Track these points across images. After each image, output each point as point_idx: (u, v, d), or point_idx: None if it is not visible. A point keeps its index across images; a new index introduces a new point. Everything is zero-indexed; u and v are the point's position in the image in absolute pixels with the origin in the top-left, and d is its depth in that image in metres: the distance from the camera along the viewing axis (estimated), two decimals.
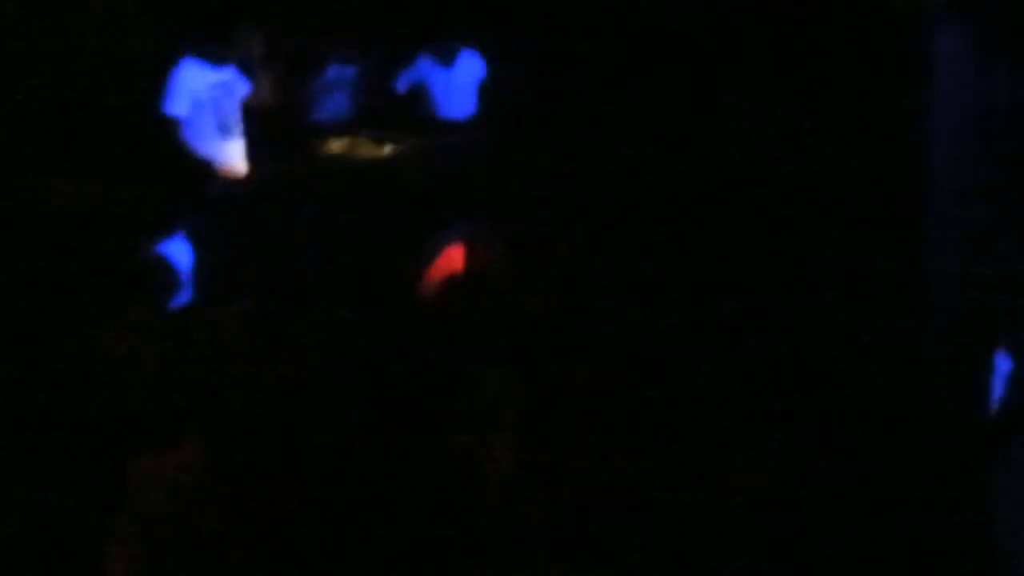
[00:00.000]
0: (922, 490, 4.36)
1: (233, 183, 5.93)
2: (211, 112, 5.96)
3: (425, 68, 6.75)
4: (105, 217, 5.43)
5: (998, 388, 4.11)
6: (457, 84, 6.67)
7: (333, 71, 6.76)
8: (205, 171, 5.87)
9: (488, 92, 6.55)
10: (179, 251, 5.10)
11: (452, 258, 5.01)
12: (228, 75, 6.03)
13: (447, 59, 6.71)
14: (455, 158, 5.62)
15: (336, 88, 6.75)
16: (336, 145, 5.97)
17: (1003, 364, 4.09)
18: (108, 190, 5.58)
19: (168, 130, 5.89)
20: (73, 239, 5.35)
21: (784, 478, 4.43)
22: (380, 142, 5.95)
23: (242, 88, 6.10)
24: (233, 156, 6.05)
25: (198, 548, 3.39)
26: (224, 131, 6.01)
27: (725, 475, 4.53)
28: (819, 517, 4.28)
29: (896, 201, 4.75)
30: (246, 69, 6.10)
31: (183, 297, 4.92)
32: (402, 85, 6.73)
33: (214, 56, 5.95)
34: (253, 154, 6.09)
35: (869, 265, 4.79)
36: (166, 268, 4.87)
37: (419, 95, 6.69)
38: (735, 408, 4.70)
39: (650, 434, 4.64)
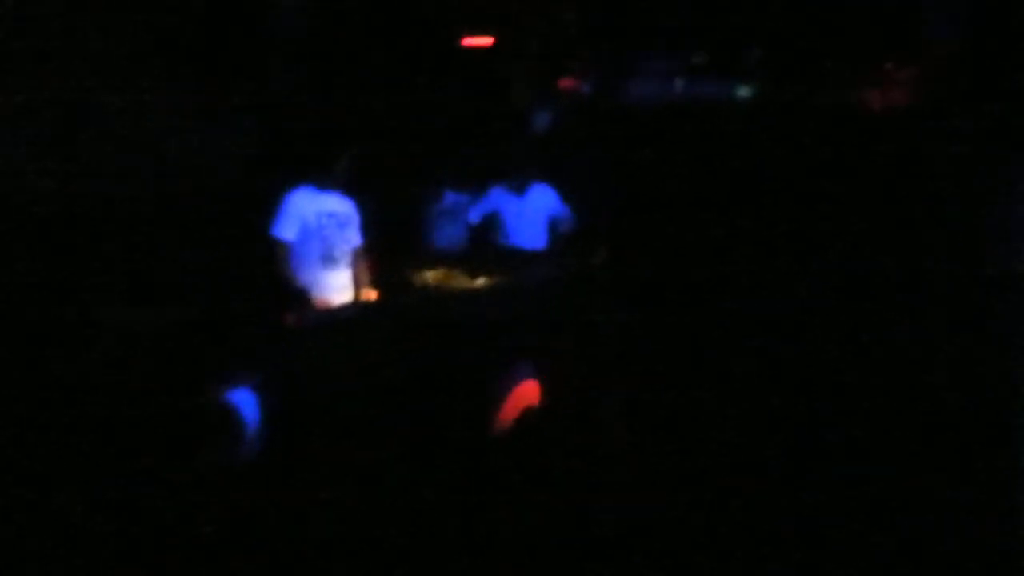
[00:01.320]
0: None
1: (327, 313, 6.04)
2: (318, 240, 6.11)
3: (498, 199, 6.88)
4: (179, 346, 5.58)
5: None
6: (529, 214, 6.79)
7: (449, 200, 6.89)
8: (302, 299, 5.99)
9: (561, 223, 6.67)
10: (246, 401, 5.15)
11: (526, 393, 5.14)
12: (338, 205, 6.20)
13: (520, 190, 6.84)
14: (540, 290, 5.72)
15: (449, 217, 6.89)
16: (432, 276, 6.08)
17: None
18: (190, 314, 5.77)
19: (275, 254, 6.06)
20: (143, 370, 5.49)
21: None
22: (474, 274, 6.04)
23: (352, 219, 6.23)
24: (333, 286, 6.17)
25: None
26: (327, 261, 6.14)
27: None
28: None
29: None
30: (356, 199, 6.20)
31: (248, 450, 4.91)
32: (477, 216, 6.84)
33: (326, 184, 6.12)
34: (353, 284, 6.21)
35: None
36: (231, 418, 4.98)
37: (497, 226, 6.81)
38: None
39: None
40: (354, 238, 6.23)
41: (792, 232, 5.75)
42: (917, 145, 5.56)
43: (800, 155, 5.93)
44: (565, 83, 7.26)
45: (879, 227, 5.46)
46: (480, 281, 6.06)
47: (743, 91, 6.61)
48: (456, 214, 6.88)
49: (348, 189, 6.22)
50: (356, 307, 6.12)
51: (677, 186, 6.20)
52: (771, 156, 6.00)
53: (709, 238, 5.93)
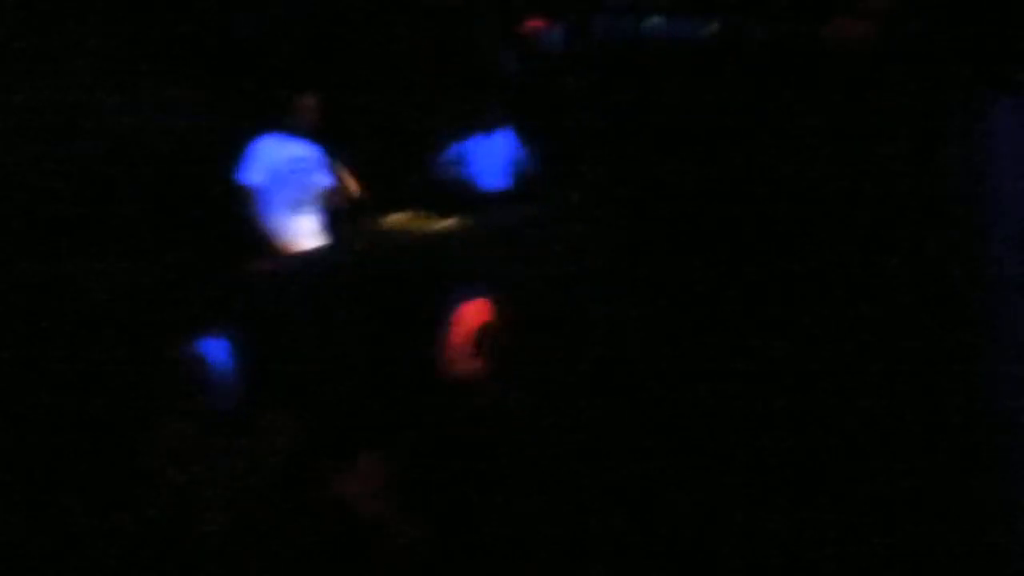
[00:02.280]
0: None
1: (296, 257, 6.06)
2: (286, 185, 6.12)
3: (466, 141, 6.84)
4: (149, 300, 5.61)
5: None
6: (496, 156, 6.76)
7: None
8: (271, 245, 6.02)
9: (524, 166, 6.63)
10: (219, 350, 5.05)
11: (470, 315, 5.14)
12: (306, 151, 6.21)
13: (487, 131, 6.79)
14: (500, 233, 5.69)
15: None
16: (397, 219, 6.06)
17: None
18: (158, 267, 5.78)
19: (242, 201, 6.10)
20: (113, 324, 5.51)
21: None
22: (433, 218, 6.03)
23: (319, 164, 6.25)
24: (302, 231, 6.19)
25: None
26: (296, 205, 6.15)
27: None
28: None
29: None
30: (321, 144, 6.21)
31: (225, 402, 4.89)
32: (446, 159, 6.81)
33: (293, 130, 6.13)
34: (322, 228, 6.23)
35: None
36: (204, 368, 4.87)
37: (461, 169, 6.78)
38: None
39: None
40: (321, 182, 6.26)
41: (768, 168, 5.66)
42: (890, 78, 5.48)
43: (773, 90, 5.84)
44: (534, 23, 7.17)
45: (854, 165, 5.37)
46: (445, 223, 6.05)
47: (712, 27, 6.51)
48: (423, 156, 6.84)
49: (314, 134, 6.25)
50: (324, 251, 6.15)
51: (652, 124, 6.11)
52: (744, 92, 5.91)
53: (686, 177, 5.85)
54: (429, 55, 7.07)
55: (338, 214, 6.29)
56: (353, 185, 6.34)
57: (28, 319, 5.57)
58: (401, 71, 6.95)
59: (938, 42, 5.18)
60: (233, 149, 6.18)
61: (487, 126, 6.80)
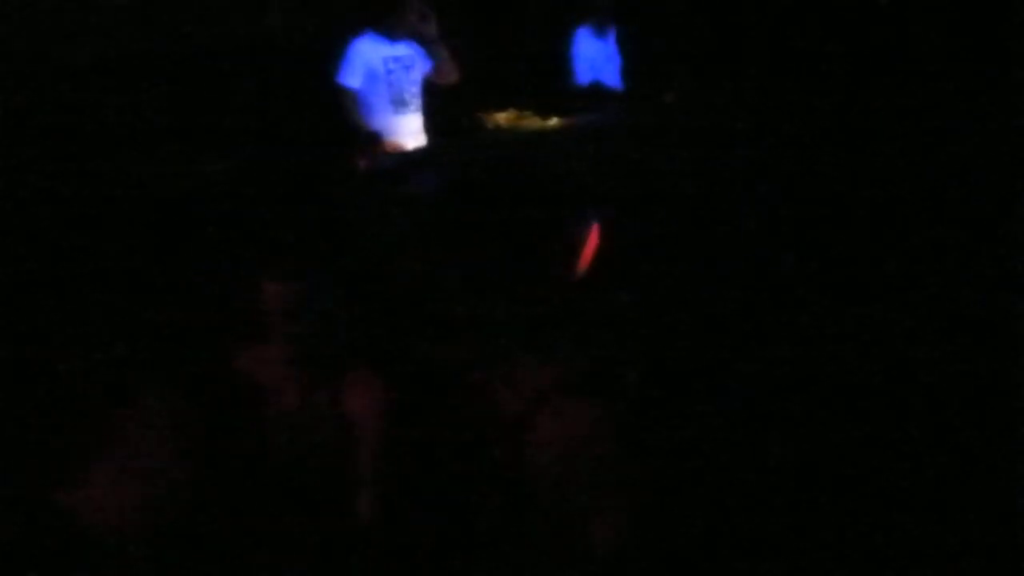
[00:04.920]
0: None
1: (401, 156, 6.03)
2: (385, 86, 6.09)
3: (580, 42, 6.80)
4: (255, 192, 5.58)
5: None
6: (597, 58, 6.71)
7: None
8: (375, 144, 5.99)
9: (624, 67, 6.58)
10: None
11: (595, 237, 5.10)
12: (404, 50, 6.16)
13: (601, 33, 6.75)
14: (611, 130, 5.64)
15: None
16: (502, 118, 6.03)
17: None
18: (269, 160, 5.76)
19: (343, 101, 6.04)
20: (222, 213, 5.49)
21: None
22: (545, 116, 5.99)
23: (419, 64, 6.20)
24: (405, 130, 6.14)
25: None
26: (398, 105, 6.12)
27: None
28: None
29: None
30: (423, 45, 6.14)
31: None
32: (559, 59, 6.76)
33: (390, 30, 6.07)
34: (426, 128, 6.19)
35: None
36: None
37: (565, 69, 6.74)
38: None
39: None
40: (420, 81, 6.21)
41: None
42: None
43: None
44: None
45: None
46: (553, 122, 6.00)
47: None
48: (524, 57, 6.81)
49: (414, 34, 6.17)
50: (429, 150, 6.11)
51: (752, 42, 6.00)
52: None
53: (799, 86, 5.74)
54: None
55: (441, 113, 6.24)
56: (454, 68, 6.24)
57: (118, 214, 5.59)
58: None
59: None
60: (333, 50, 6.09)
61: (592, 23, 6.76)
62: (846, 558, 4.05)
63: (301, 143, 5.98)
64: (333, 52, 6.08)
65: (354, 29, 6.13)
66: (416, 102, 6.23)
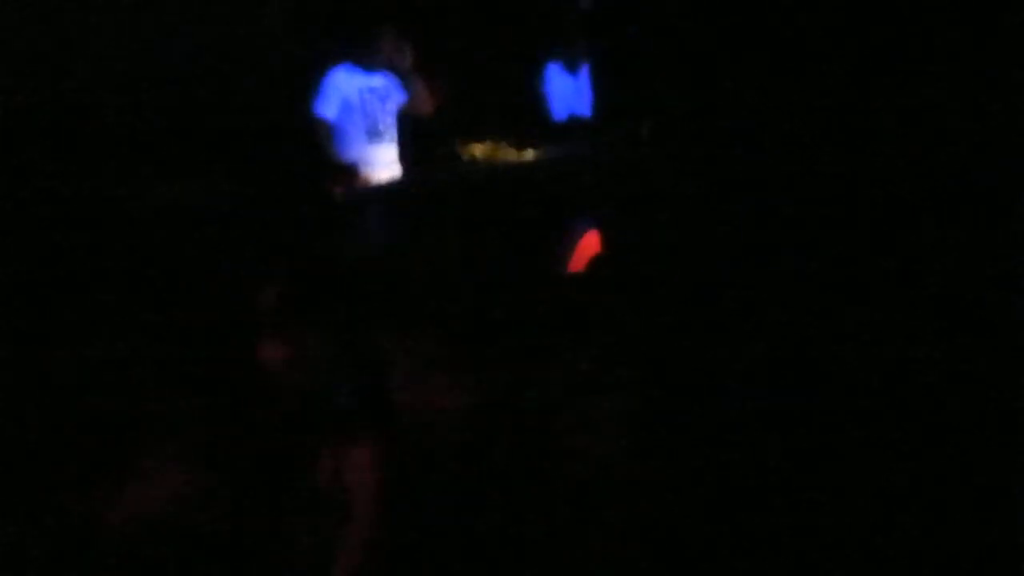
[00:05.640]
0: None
1: (375, 187, 6.07)
2: (360, 116, 6.13)
3: (553, 76, 6.89)
4: (237, 220, 5.59)
5: None
6: (571, 90, 6.82)
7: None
8: (349, 175, 6.02)
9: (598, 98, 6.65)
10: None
11: (591, 241, 5.26)
12: (379, 81, 6.21)
13: (573, 67, 6.85)
14: (586, 162, 5.72)
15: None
16: (478, 149, 6.08)
17: None
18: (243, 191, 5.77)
19: (318, 131, 6.07)
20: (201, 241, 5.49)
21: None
22: (521, 148, 6.05)
23: (394, 95, 6.25)
24: (380, 161, 6.18)
25: None
26: (373, 136, 6.16)
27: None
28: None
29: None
30: (398, 76, 6.19)
31: None
32: (532, 92, 6.84)
33: (366, 62, 6.12)
34: (400, 158, 6.23)
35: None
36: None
37: (540, 101, 6.81)
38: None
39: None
40: (396, 112, 6.25)
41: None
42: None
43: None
44: None
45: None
46: (528, 153, 6.06)
47: None
48: (502, 88, 6.87)
49: (390, 65, 6.21)
50: (404, 180, 6.16)
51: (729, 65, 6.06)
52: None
53: (771, 117, 5.77)
54: None
55: (417, 143, 6.28)
56: (428, 99, 6.29)
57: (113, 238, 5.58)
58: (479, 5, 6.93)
59: None
60: (310, 81, 6.12)
61: (563, 58, 6.84)
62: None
63: (277, 173, 5.99)
64: (308, 82, 6.12)
65: (329, 60, 6.18)
66: (391, 133, 6.26)
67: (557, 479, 4.48)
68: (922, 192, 4.60)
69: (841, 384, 4.55)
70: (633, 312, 4.77)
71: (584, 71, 6.90)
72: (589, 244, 5.41)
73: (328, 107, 6.12)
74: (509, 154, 6.03)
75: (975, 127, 4.45)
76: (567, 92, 6.91)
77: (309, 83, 6.11)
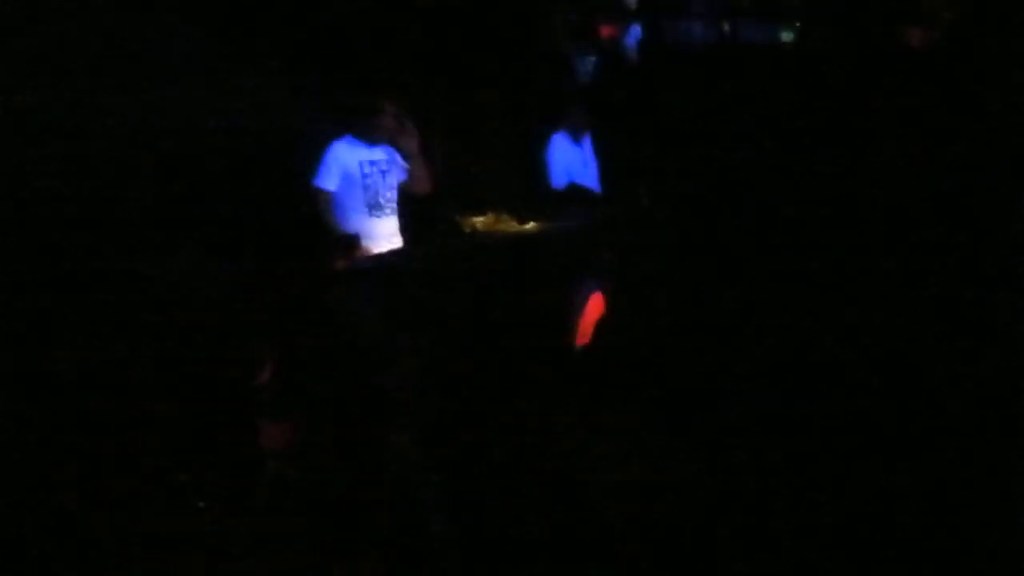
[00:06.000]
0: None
1: (376, 259, 6.04)
2: (361, 189, 6.12)
3: (556, 147, 6.89)
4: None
5: None
6: (573, 162, 6.82)
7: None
8: (350, 247, 6.00)
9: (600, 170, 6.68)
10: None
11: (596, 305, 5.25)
12: (380, 154, 6.21)
13: (577, 138, 6.87)
14: (589, 232, 5.72)
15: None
16: (479, 222, 6.06)
17: None
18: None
19: (319, 203, 6.06)
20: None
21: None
22: (522, 219, 6.04)
23: (395, 168, 6.24)
24: (380, 233, 6.17)
25: None
26: (373, 208, 6.14)
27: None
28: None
29: None
30: (400, 151, 6.19)
31: None
32: (534, 162, 6.84)
33: (367, 135, 6.13)
34: (401, 231, 6.21)
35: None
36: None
37: (549, 172, 6.82)
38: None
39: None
40: (396, 185, 6.23)
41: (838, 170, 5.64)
42: (964, 82, 5.47)
43: (847, 96, 5.83)
44: (608, 29, 7.23)
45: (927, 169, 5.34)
46: (530, 226, 6.05)
47: (786, 34, 6.55)
48: (503, 161, 6.88)
49: (390, 139, 6.20)
50: (404, 253, 6.13)
51: (722, 129, 6.11)
52: (817, 96, 5.92)
53: (759, 183, 5.83)
54: (510, 62, 7.08)
55: (417, 217, 6.26)
56: (428, 179, 6.28)
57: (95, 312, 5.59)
58: (481, 76, 6.95)
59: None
60: (311, 153, 6.13)
61: (567, 128, 6.85)
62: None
63: (280, 244, 5.99)
64: (311, 154, 6.12)
65: (332, 132, 6.19)
66: (392, 206, 6.23)
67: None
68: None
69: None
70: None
71: (587, 141, 6.91)
72: (593, 313, 5.40)
73: (329, 179, 6.11)
74: (510, 226, 6.02)
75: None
76: (571, 162, 6.92)
77: (311, 155, 6.12)
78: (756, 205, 5.83)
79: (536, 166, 6.85)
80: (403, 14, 6.91)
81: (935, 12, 6.21)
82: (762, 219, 5.75)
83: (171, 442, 5.00)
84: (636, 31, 7.16)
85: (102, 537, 4.40)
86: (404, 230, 6.28)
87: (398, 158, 6.19)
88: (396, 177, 6.23)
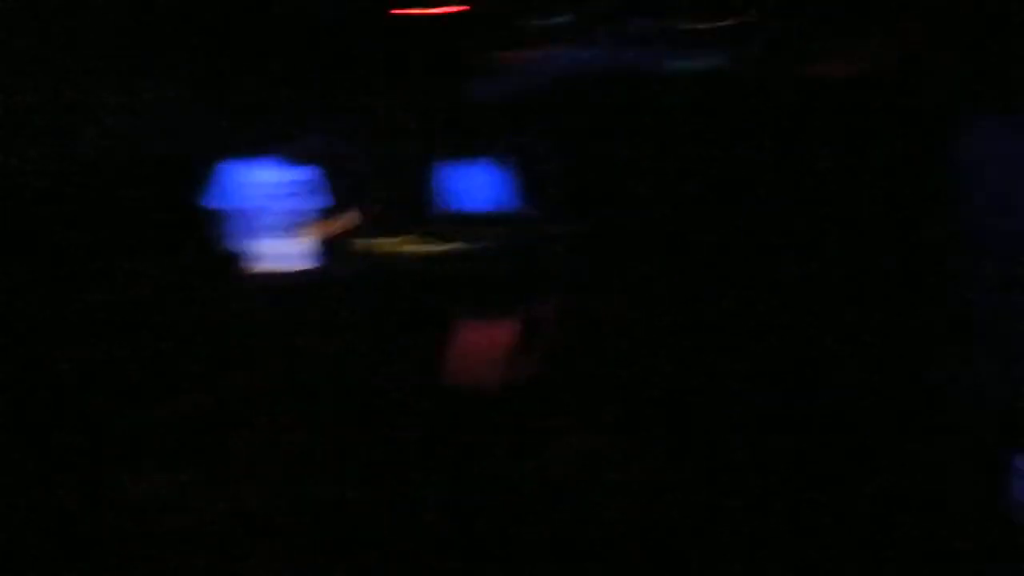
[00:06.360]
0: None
1: (279, 279, 6.20)
2: (270, 209, 6.22)
3: (462, 168, 6.90)
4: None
5: None
6: (480, 184, 6.83)
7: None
8: (254, 266, 6.17)
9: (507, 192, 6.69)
10: None
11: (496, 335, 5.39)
12: (290, 175, 6.29)
13: (483, 160, 6.87)
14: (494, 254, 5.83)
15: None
16: (384, 243, 6.13)
17: None
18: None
19: (227, 222, 6.18)
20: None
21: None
22: (428, 241, 6.10)
23: (304, 189, 6.32)
24: (288, 254, 6.29)
25: None
26: (281, 229, 6.26)
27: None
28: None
29: None
30: (314, 171, 6.30)
31: None
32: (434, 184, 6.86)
33: (279, 154, 6.25)
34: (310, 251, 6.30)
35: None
36: None
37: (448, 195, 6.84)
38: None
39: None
40: (306, 207, 6.31)
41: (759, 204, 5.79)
42: (887, 113, 5.62)
43: (767, 126, 5.97)
44: (521, 53, 7.30)
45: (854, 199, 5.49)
46: (437, 247, 6.11)
47: (708, 61, 6.65)
48: (410, 182, 6.90)
49: (299, 159, 6.29)
50: (309, 274, 6.25)
51: (637, 161, 6.23)
52: (736, 126, 6.06)
53: (673, 212, 5.98)
54: (418, 82, 7.15)
55: (325, 238, 6.33)
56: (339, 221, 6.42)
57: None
58: (391, 97, 7.02)
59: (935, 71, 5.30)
60: (223, 168, 6.20)
61: (465, 151, 6.87)
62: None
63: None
64: (219, 173, 6.20)
65: (243, 150, 6.26)
66: (300, 226, 6.30)
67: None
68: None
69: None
70: None
71: (494, 163, 6.90)
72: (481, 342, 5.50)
73: (236, 198, 6.19)
74: (415, 247, 6.08)
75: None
76: (470, 184, 6.93)
77: (219, 173, 6.20)
78: (655, 226, 5.97)
79: (440, 187, 6.89)
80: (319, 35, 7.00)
81: (860, 44, 6.33)
82: (665, 236, 5.90)
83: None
84: (553, 55, 7.21)
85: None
86: (312, 250, 6.36)
87: (309, 178, 6.30)
88: (306, 197, 6.28)
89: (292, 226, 6.24)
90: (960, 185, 4.42)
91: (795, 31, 6.42)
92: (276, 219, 6.21)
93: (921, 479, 4.47)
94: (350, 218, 6.37)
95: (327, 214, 6.33)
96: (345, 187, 6.37)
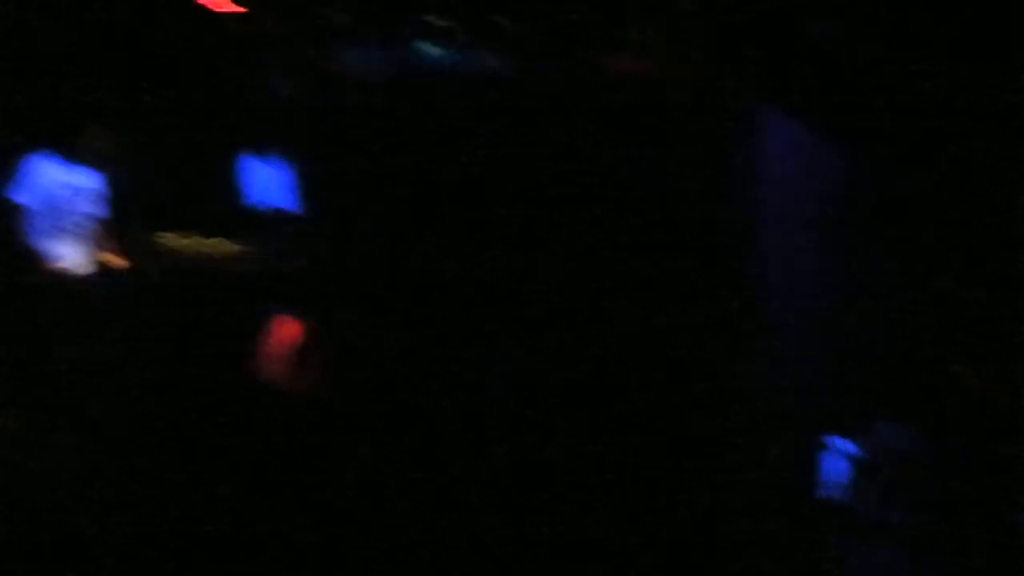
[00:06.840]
0: None
1: (60, 276, 6.14)
2: (57, 209, 6.18)
3: (248, 163, 6.91)
4: None
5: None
6: (278, 181, 6.87)
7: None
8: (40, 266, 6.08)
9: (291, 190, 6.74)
10: None
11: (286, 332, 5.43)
12: (78, 175, 6.25)
13: (269, 155, 6.91)
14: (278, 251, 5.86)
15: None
16: (168, 240, 6.09)
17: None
18: None
19: (11, 218, 6.09)
20: None
21: None
22: (208, 237, 6.08)
23: (92, 189, 6.30)
24: (73, 254, 6.24)
25: None
26: (66, 229, 6.21)
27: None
28: None
29: None
30: (100, 171, 6.27)
31: None
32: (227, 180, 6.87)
33: (71, 156, 6.20)
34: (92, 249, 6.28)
35: None
36: None
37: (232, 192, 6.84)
38: None
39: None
40: (97, 211, 6.27)
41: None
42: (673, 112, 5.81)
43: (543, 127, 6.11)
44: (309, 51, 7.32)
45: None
46: (216, 243, 6.10)
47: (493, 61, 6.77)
48: (194, 178, 6.84)
49: (93, 161, 6.25)
50: (99, 276, 6.19)
51: (406, 168, 6.31)
52: (519, 127, 6.17)
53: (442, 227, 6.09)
54: (203, 78, 7.09)
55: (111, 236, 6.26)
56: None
57: None
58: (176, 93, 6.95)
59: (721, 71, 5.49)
60: (13, 163, 6.14)
61: (261, 147, 6.86)
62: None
63: None
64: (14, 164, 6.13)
65: (31, 146, 6.19)
66: (87, 227, 6.26)
67: None
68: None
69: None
70: None
71: (281, 159, 6.93)
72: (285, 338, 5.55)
73: (24, 194, 6.11)
74: (199, 244, 6.06)
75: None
76: (263, 181, 6.92)
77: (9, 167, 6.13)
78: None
79: (229, 184, 6.86)
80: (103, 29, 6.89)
81: (644, 41, 6.47)
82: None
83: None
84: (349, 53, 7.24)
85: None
86: (98, 251, 6.31)
87: (97, 179, 6.25)
88: (92, 198, 6.25)
89: (79, 229, 6.13)
90: (748, 182, 4.69)
91: (579, 29, 6.55)
92: (64, 221, 6.14)
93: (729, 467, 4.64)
94: (133, 222, 6.29)
95: (112, 220, 6.24)
96: (131, 189, 6.29)
